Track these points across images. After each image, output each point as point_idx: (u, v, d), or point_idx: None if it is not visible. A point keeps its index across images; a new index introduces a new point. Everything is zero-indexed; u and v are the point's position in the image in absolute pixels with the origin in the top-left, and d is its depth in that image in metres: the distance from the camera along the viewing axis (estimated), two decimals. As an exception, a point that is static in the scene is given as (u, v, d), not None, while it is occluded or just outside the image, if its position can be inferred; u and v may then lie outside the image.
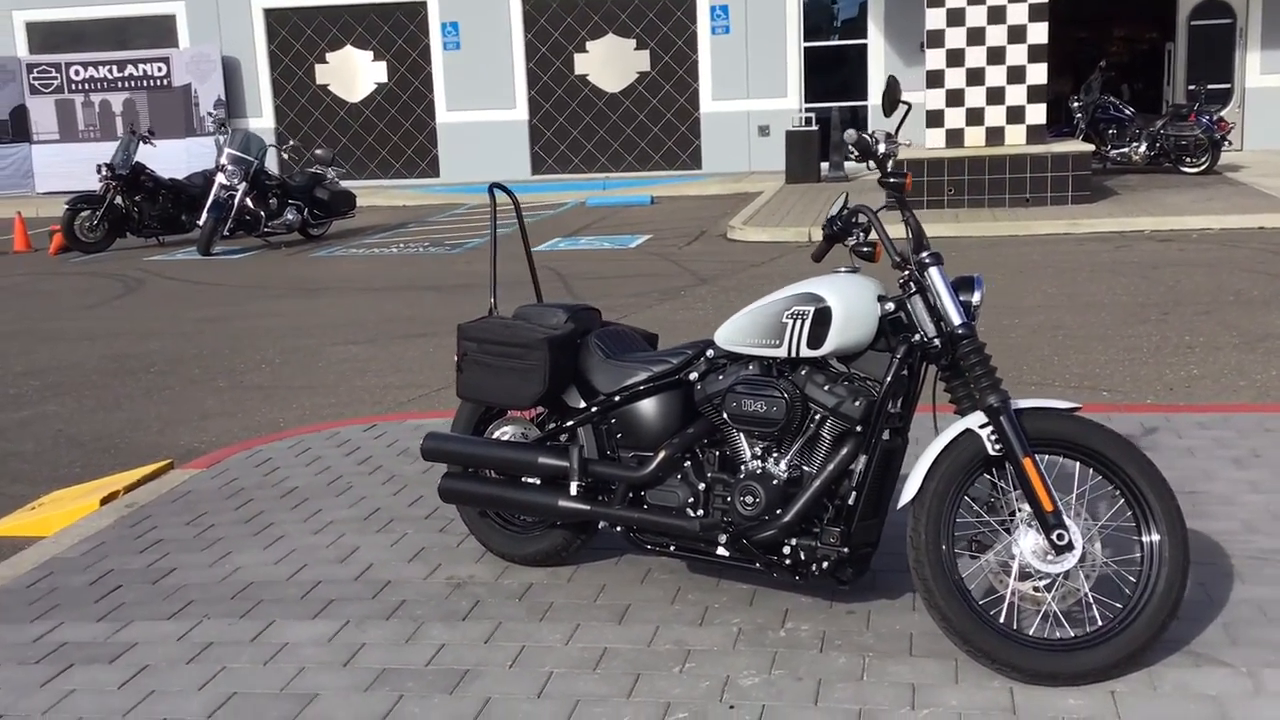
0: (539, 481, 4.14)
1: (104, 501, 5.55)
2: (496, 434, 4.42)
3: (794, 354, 3.71)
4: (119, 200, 15.42)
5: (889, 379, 3.62)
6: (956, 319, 3.56)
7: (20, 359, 9.48)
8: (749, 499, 3.75)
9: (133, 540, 4.90)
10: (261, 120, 22.25)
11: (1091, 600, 3.52)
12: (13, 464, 6.62)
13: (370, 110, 22.39)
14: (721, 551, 3.84)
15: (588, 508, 4.00)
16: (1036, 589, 3.52)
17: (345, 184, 16.92)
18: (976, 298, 3.65)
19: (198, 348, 9.52)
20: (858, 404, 3.62)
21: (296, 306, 11.23)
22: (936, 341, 3.59)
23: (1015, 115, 14.68)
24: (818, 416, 3.73)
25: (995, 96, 14.70)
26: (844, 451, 3.67)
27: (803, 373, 3.75)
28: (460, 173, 21.31)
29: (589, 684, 3.52)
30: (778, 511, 3.71)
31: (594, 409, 4.11)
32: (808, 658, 3.63)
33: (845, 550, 3.66)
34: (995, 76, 14.63)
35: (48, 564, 4.70)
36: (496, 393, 4.15)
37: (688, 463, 3.94)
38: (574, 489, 4.01)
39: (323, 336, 9.74)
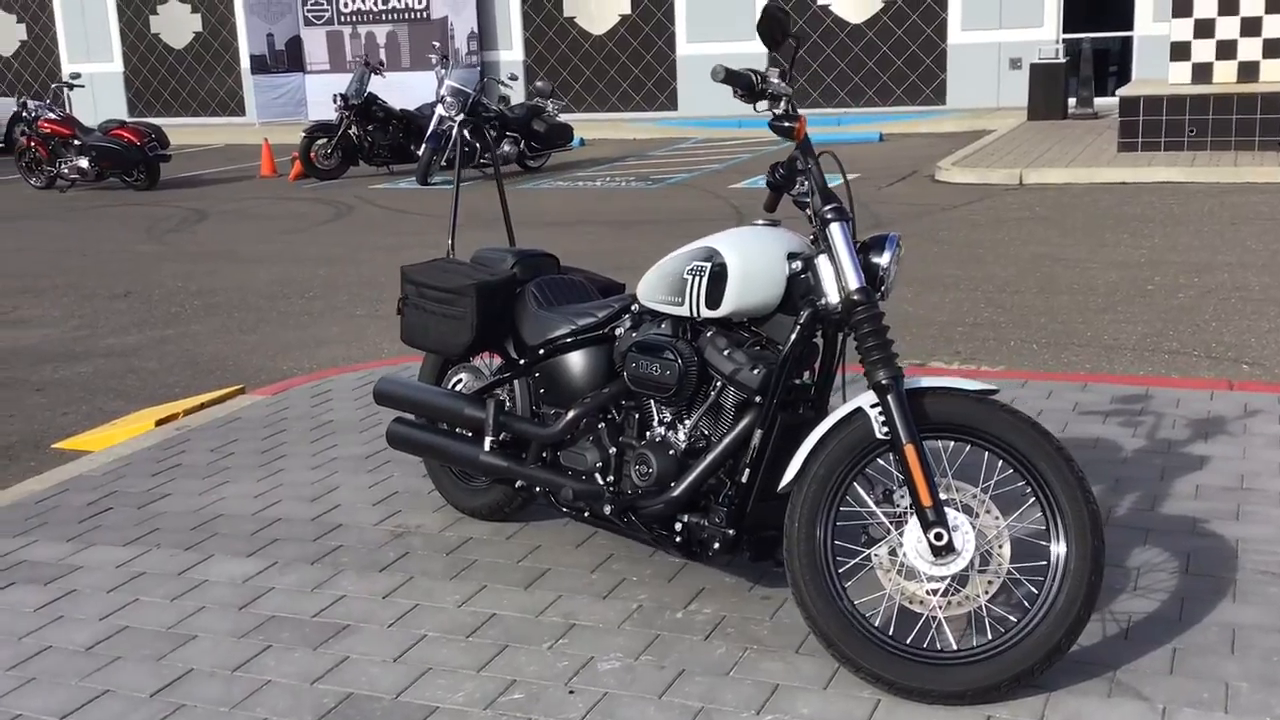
0: (470, 434, 3.99)
1: (159, 423, 5.78)
2: (451, 381, 4.29)
3: (695, 313, 3.40)
4: (352, 130, 16.04)
5: (788, 346, 3.26)
6: (853, 282, 3.16)
7: (203, 279, 10.03)
8: (642, 468, 3.49)
9: (154, 464, 5.07)
10: (511, 53, 22.70)
11: (984, 611, 3.09)
12: (129, 381, 7.00)
13: (613, 43, 22.43)
14: (618, 522, 3.59)
15: (504, 464, 3.83)
16: (931, 592, 3.11)
17: (570, 117, 17.06)
18: (884, 260, 3.23)
19: (359, 275, 9.81)
20: (756, 372, 3.29)
21: (480, 238, 11.38)
22: (839, 307, 3.20)
23: (1273, 49, 13.18)
24: (719, 384, 3.42)
25: (1251, 28, 13.24)
26: (743, 424, 3.34)
27: (707, 335, 3.43)
28: (698, 106, 21.09)
29: (450, 652, 3.37)
30: (670, 484, 3.43)
31: (522, 361, 3.91)
32: (686, 644, 3.35)
33: (731, 533, 3.35)
34: (1252, 5, 13.16)
35: (68, 481, 4.92)
36: (431, 340, 4.01)
37: (603, 425, 3.70)
38: (487, 444, 3.84)
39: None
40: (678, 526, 3.45)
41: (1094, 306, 7.54)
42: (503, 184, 4.56)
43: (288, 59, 24.32)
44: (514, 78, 17.41)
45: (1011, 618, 3.09)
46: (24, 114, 16.54)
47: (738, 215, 11.68)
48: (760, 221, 3.45)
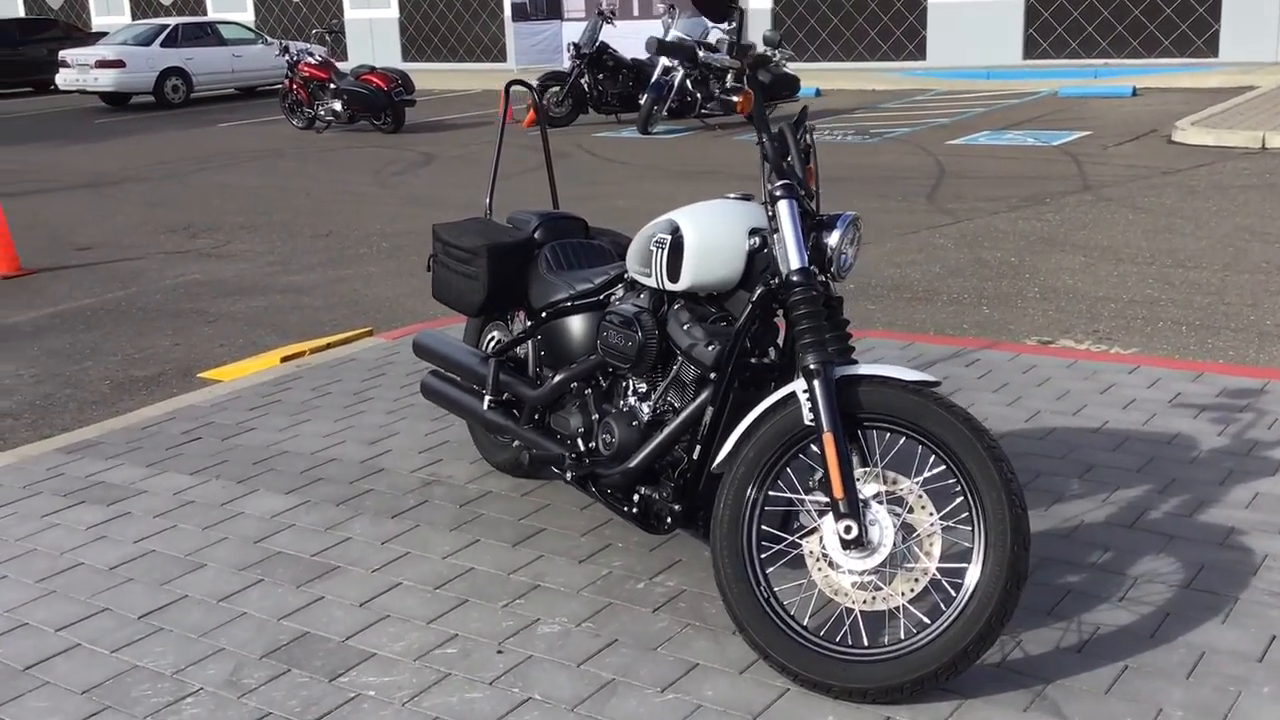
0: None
1: (284, 359, 6.17)
2: (486, 339, 4.40)
3: (661, 285, 3.38)
4: (583, 78, 16.35)
5: (740, 323, 3.20)
6: (793, 262, 3.06)
7: (403, 221, 10.51)
8: (606, 437, 3.51)
9: (257, 399, 5.42)
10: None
11: (901, 611, 2.97)
12: (291, 317, 7.47)
13: (865, -11, 21.89)
14: (583, 489, 3.62)
15: (500, 421, 3.92)
16: (858, 585, 3.01)
17: (813, 66, 16.83)
18: (833, 239, 3.11)
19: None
20: (710, 348, 3.25)
21: (667, 189, 11.48)
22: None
23: None
24: (680, 359, 3.39)
25: None
26: (699, 400, 3.31)
27: (674, 308, 3.40)
28: (947, 56, 20.37)
29: (413, 602, 3.51)
30: (629, 455, 3.44)
31: (529, 323, 3.98)
32: (631, 615, 3.37)
33: (678, 507, 3.33)
34: None
35: (177, 410, 5.33)
36: (452, 297, 4.12)
37: (589, 391, 3.72)
38: (486, 401, 3.94)
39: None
40: (635, 497, 3.45)
41: (1273, 288, 6.94)
42: (548, 142, 4.59)
43: (547, 6, 24.91)
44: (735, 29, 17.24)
45: (927, 619, 2.95)
46: (287, 57, 17.61)
47: (939, 173, 11.28)
48: (733, 195, 3.38)
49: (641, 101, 15.56)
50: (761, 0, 22.45)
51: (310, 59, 17.33)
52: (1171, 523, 3.74)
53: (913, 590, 2.95)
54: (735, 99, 3.15)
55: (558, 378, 3.72)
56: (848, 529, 2.89)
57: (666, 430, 3.35)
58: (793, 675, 2.93)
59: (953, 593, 2.92)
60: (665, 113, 15.44)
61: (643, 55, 16.87)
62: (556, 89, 16.44)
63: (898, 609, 2.98)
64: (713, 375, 3.25)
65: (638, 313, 3.41)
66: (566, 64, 16.84)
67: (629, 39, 18.41)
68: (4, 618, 3.51)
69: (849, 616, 3.12)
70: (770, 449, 3.04)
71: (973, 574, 2.85)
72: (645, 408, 3.48)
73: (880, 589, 2.96)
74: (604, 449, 3.51)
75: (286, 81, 17.80)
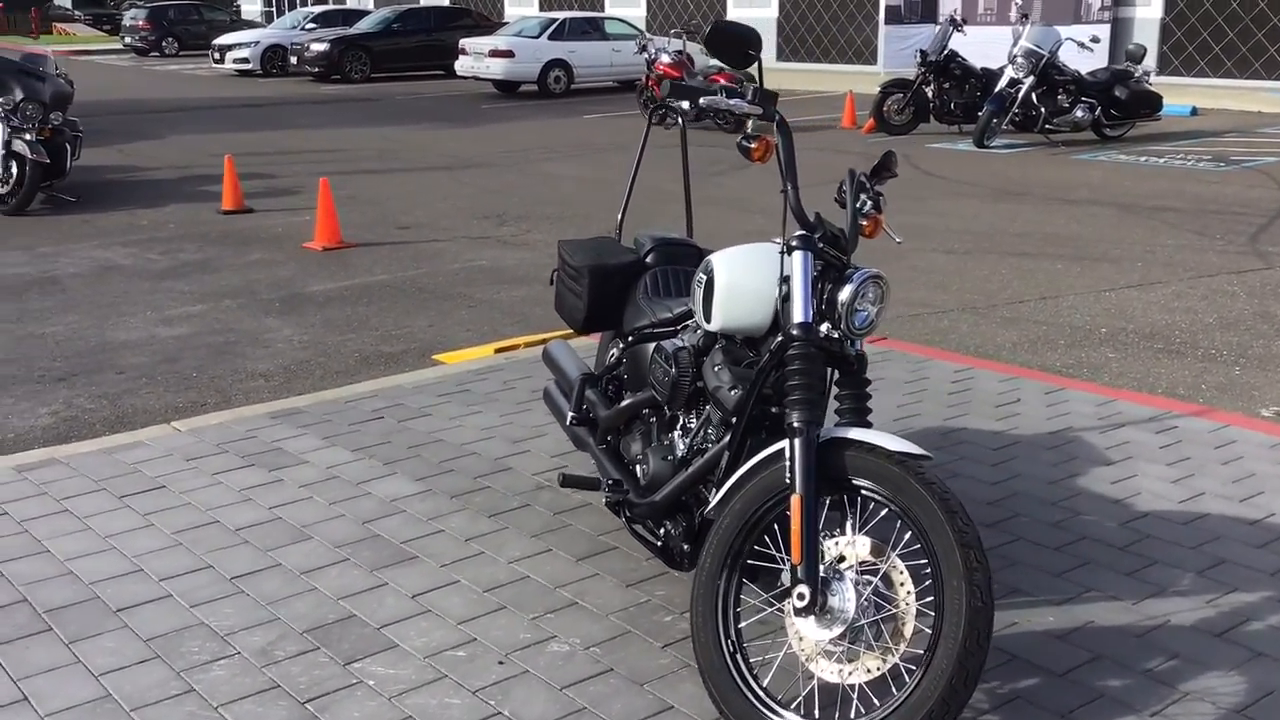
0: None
1: (498, 350, 6.54)
2: (608, 355, 4.51)
3: (704, 324, 3.39)
4: (928, 86, 16.00)
5: (758, 370, 3.17)
6: (796, 315, 3.00)
7: (711, 223, 10.73)
8: (644, 468, 3.56)
9: (451, 387, 5.80)
10: (1149, 9, 21.11)
11: (856, 688, 2.86)
12: (535, 310, 7.83)
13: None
14: (616, 515, 3.68)
15: (579, 437, 4.03)
16: (822, 654, 2.93)
17: (1196, 83, 15.68)
18: (843, 295, 3.01)
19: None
20: (733, 393, 3.23)
21: (967, 209, 11.12)
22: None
23: None
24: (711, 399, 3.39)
25: None
26: (721, 444, 3.31)
27: (715, 348, 3.40)
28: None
29: (456, 602, 3.69)
30: (658, 489, 3.47)
31: (622, 345, 4.07)
32: (642, 648, 3.41)
33: (686, 547, 3.34)
34: None
35: (381, 390, 5.79)
36: (565, 312, 4.26)
37: (654, 420, 3.78)
38: (568, 416, 4.06)
39: (925, 241, 9.67)
40: (661, 531, 3.48)
41: None
42: (688, 165, 4.61)
43: (921, 9, 24.42)
44: (1095, 40, 16.29)
45: (876, 702, 2.83)
46: (645, 54, 18.25)
47: (1278, 212, 10.28)
48: (779, 240, 3.33)
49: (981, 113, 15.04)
50: (1152, 10, 21.04)
51: (665, 57, 17.87)
52: (1270, 638, 3.35)
53: (871, 672, 2.83)
54: (751, 145, 3.11)
55: (623, 403, 3.79)
56: (800, 595, 2.82)
57: (690, 470, 3.36)
58: (740, 735, 2.88)
59: (907, 680, 2.77)
60: (1007, 126, 14.84)
61: (993, 64, 16.30)
62: (898, 96, 16.16)
63: (851, 686, 2.87)
64: (732, 420, 3.22)
65: (679, 349, 3.42)
66: (914, 71, 16.48)
67: (981, 46, 17.83)
68: (128, 561, 3.98)
69: (808, 684, 3.02)
70: (755, 503, 3.00)
71: (924, 663, 2.70)
72: (681, 444, 3.50)
73: (849, 661, 2.85)
74: (641, 479, 3.56)
75: (644, 78, 18.45)
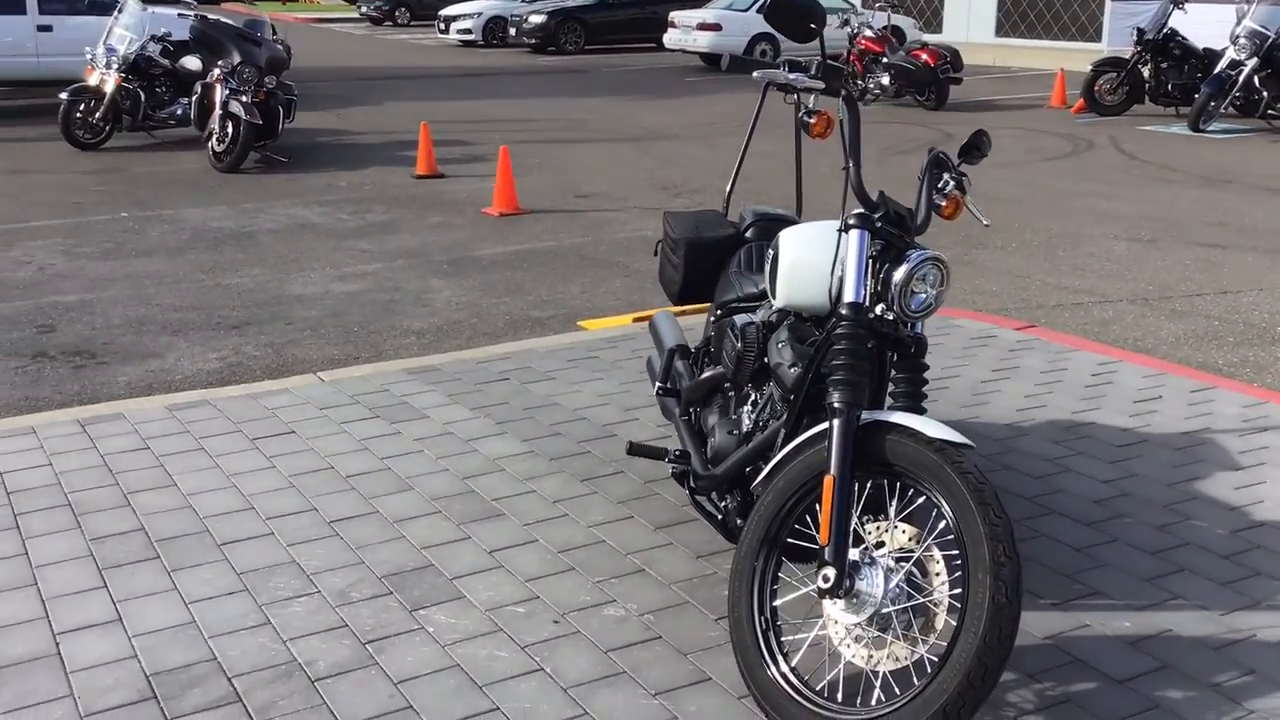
0: None
1: (635, 320, 6.63)
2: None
3: (772, 301, 3.39)
4: (1143, 66, 15.29)
5: (814, 350, 3.15)
6: (847, 294, 2.97)
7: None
8: (710, 441, 3.57)
9: (582, 353, 5.92)
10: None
11: (881, 675, 2.83)
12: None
13: None
14: (681, 485, 3.70)
15: (665, 406, 4.07)
16: (853, 638, 2.91)
17: None
18: (897, 275, 2.96)
19: (995, 216, 9.72)
20: (793, 370, 3.23)
21: (1172, 195, 10.61)
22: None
23: None
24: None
25: None
26: (781, 420, 3.30)
27: (782, 325, 3.39)
28: None
29: (528, 561, 3.79)
30: (721, 461, 3.49)
31: (713, 318, 4.08)
32: (694, 619, 3.45)
33: (739, 521, 3.35)
34: None
35: (517, 352, 5.95)
36: (664, 283, 4.29)
37: (733, 394, 3.78)
38: (655, 386, 4.10)
39: (1109, 226, 9.28)
40: (722, 505, 3.50)
41: None
42: (800, 140, 4.55)
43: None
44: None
45: (898, 689, 2.79)
46: (848, 29, 17.97)
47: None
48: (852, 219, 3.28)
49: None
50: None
51: (868, 32, 17.56)
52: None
53: (900, 661, 2.79)
54: (811, 120, 3.07)
55: (705, 374, 3.80)
56: (825, 577, 2.80)
57: (750, 445, 3.36)
58: (765, 711, 2.89)
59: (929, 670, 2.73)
60: (1226, 109, 14.04)
61: (1216, 45, 15.42)
62: (1111, 75, 15.47)
63: (876, 673, 2.83)
64: (790, 397, 3.21)
65: (747, 324, 3.42)
66: (1129, 50, 15.73)
67: (1203, 27, 16.87)
68: (242, 499, 4.23)
69: (835, 667, 2.99)
70: (798, 482, 2.99)
71: (942, 658, 2.65)
72: (747, 420, 3.50)
73: (878, 648, 2.83)
74: (709, 451, 3.58)
75: (846, 52, 18.19)
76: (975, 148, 3.30)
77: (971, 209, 3.34)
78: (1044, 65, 22.18)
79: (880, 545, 2.89)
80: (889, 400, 3.18)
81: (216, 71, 12.17)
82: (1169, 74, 15.14)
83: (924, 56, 16.64)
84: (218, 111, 12.09)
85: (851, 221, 2.99)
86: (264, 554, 3.82)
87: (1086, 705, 3.00)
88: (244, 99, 11.90)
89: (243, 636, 3.35)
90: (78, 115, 13.06)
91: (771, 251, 3.28)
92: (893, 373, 3.14)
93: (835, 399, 2.88)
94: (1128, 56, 15.41)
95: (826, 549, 2.80)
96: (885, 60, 17.08)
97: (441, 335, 6.72)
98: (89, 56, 13.34)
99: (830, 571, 2.78)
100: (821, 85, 3.12)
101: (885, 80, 17.00)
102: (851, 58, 17.77)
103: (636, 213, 10.15)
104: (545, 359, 5.78)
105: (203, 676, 3.16)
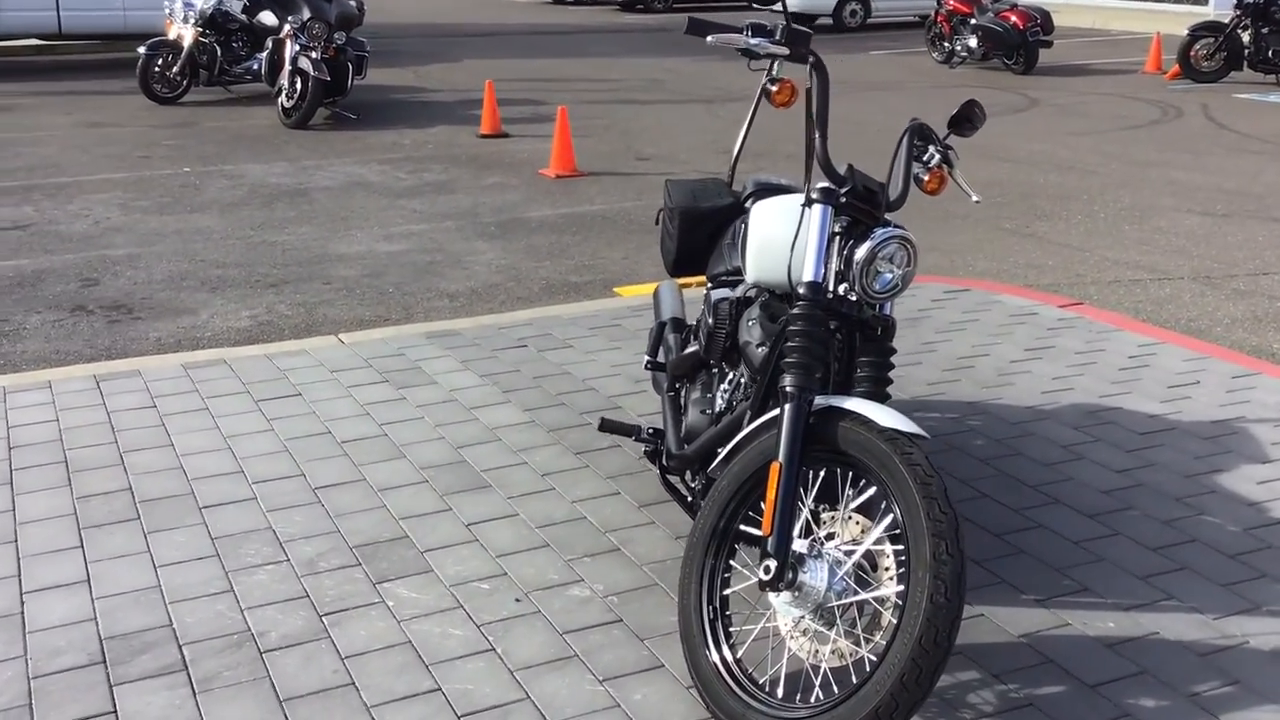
0: None
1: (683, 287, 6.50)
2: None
3: (746, 276, 3.25)
4: (1242, 31, 14.68)
5: (779, 330, 3.02)
6: (805, 274, 2.82)
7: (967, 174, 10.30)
8: (685, 418, 3.46)
9: (604, 321, 5.82)
10: None
11: (821, 671, 2.70)
12: (739, 250, 7.76)
13: None
14: (651, 464, 3.59)
15: (655, 378, 3.97)
16: (797, 631, 2.79)
17: None
18: (859, 254, 2.80)
19: (1082, 185, 9.40)
20: (760, 350, 3.10)
21: (1256, 167, 10.17)
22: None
23: None
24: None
25: None
26: (748, 401, 3.18)
27: (756, 302, 3.26)
28: None
29: (505, 535, 3.72)
30: (691, 441, 3.38)
31: (707, 291, 3.95)
32: (660, 603, 3.35)
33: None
34: None
35: (540, 318, 5.88)
36: (663, 252, 4.17)
37: (715, 371, 3.65)
38: (645, 360, 3.98)
39: (1182, 199, 8.90)
40: (693, 485, 3.39)
41: None
42: (824, 113, 4.36)
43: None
44: None
45: (837, 688, 2.66)
46: (936, -11, 17.53)
47: None
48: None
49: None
50: None
51: (955, -9, 17.12)
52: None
53: (845, 658, 2.67)
54: (773, 89, 2.91)
55: (689, 349, 3.68)
56: (767, 569, 2.68)
57: (719, 426, 3.24)
58: (705, 701, 2.79)
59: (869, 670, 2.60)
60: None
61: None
62: (1209, 40, 14.86)
63: (816, 669, 2.71)
64: (758, 378, 3.08)
65: (720, 300, 3.30)
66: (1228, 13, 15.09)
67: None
68: (234, 462, 4.22)
69: (779, 661, 2.87)
70: (751, 468, 2.87)
71: (879, 656, 2.53)
72: (721, 399, 3.38)
73: (821, 643, 2.71)
74: (683, 430, 3.46)
75: (934, 14, 17.75)
76: (966, 119, 3.12)
77: (960, 183, 3.17)
78: (1145, 29, 21.41)
79: (832, 536, 2.75)
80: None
81: (287, 28, 12.21)
82: (1270, 40, 14.50)
83: (1013, 18, 16.14)
84: (287, 67, 12.15)
85: (814, 196, 2.85)
86: (242, 519, 3.80)
87: (1050, 710, 2.85)
88: (313, 55, 11.94)
89: (202, 603, 3.33)
90: (155, 69, 13.22)
91: (743, 225, 3.14)
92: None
93: (787, 383, 2.75)
94: (1226, 21, 14.77)
95: (769, 539, 2.67)
96: (973, 22, 16.61)
97: (475, 299, 6.67)
98: (167, 11, 13.48)
99: (771, 563, 2.66)
100: (785, 51, 2.96)
101: (972, 42, 16.55)
102: (939, 18, 17.32)
103: (694, 177, 9.98)
104: (567, 326, 5.69)
105: (154, 643, 3.14)
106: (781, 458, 2.69)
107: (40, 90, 14.31)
